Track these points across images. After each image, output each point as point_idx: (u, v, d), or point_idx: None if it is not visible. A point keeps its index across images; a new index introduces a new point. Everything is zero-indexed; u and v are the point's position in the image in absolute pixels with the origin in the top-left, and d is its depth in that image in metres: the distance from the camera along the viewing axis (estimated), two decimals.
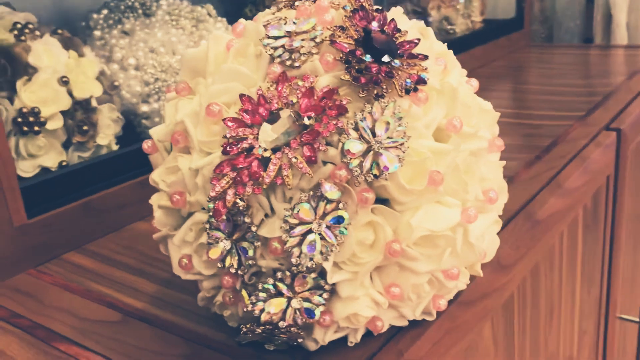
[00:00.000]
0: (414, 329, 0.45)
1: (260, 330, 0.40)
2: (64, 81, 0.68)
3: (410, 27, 0.44)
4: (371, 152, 0.37)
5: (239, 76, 0.41)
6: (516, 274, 0.58)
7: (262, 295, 0.39)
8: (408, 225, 0.38)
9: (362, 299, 0.40)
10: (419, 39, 0.42)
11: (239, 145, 0.38)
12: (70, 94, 0.69)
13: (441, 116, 0.41)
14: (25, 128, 0.65)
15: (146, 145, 0.45)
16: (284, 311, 0.39)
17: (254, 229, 0.39)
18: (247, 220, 0.39)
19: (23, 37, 0.67)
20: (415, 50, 0.41)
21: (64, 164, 0.68)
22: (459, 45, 1.30)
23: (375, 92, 0.38)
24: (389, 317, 0.43)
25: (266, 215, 0.39)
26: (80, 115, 0.70)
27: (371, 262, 0.39)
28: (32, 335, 0.49)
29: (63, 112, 0.68)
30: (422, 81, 0.40)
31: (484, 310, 0.52)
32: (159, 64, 0.79)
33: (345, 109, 0.38)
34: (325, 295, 0.40)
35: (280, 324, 0.39)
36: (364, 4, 0.42)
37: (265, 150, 0.38)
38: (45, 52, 0.68)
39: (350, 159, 0.37)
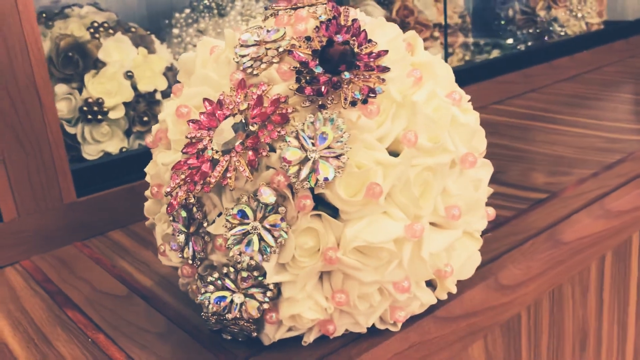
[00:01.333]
0: (375, 338, 0.45)
1: (213, 320, 0.43)
2: (128, 75, 0.75)
3: (394, 38, 0.45)
4: (309, 161, 0.38)
5: (209, 81, 0.44)
6: (523, 295, 0.55)
7: (210, 287, 0.42)
8: (344, 234, 0.39)
9: (305, 302, 0.41)
10: (386, 51, 0.42)
11: (196, 146, 0.41)
12: (134, 87, 0.76)
13: (400, 129, 0.41)
14: (89, 116, 0.72)
15: (148, 139, 0.50)
16: (230, 305, 0.42)
17: (205, 224, 0.42)
18: (198, 216, 0.42)
19: (97, 35, 0.75)
20: (381, 62, 0.42)
21: (124, 150, 0.76)
22: (563, 48, 1.23)
23: (320, 102, 0.39)
24: (345, 322, 0.44)
25: (220, 214, 0.42)
26: (142, 107, 0.76)
27: (310, 267, 0.40)
28: (53, 299, 0.56)
29: (126, 104, 0.75)
30: (372, 93, 0.40)
31: (470, 328, 0.51)
32: None
33: (286, 118, 0.39)
34: (269, 294, 0.41)
35: (228, 316, 0.42)
36: (337, 14, 0.43)
37: (217, 152, 0.40)
38: (115, 49, 0.75)
39: (287, 166, 0.38)
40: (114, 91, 0.74)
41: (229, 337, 0.45)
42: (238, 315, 0.42)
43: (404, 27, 1.02)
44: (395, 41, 0.45)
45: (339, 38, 0.42)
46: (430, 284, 0.47)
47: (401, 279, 0.41)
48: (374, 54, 0.41)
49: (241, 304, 0.42)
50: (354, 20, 0.43)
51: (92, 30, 0.75)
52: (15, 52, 0.60)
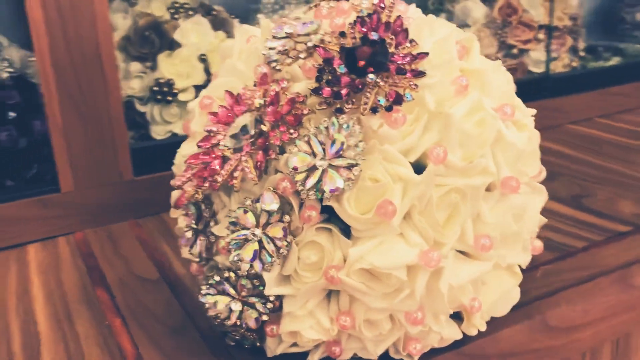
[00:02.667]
0: None
1: (217, 323, 0.41)
2: (202, 58, 0.74)
3: (443, 39, 0.40)
4: (318, 170, 0.35)
5: (236, 72, 0.41)
6: (577, 341, 0.49)
7: (211, 289, 0.40)
8: (349, 253, 0.35)
9: (305, 319, 0.38)
10: (426, 53, 0.37)
11: (210, 140, 0.39)
12: (207, 71, 0.75)
13: (430, 142, 0.37)
14: (159, 96, 0.73)
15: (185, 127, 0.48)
16: (229, 311, 0.39)
17: (212, 223, 0.40)
18: (205, 214, 0.40)
19: (177, 15, 0.75)
20: (418, 65, 0.37)
21: None
22: None
23: (337, 106, 0.36)
24: (354, 346, 0.40)
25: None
26: None
27: (312, 284, 0.37)
28: (89, 275, 0.56)
29: (197, 87, 0.75)
30: (399, 100, 0.36)
31: None
32: None
33: (299, 120, 0.36)
34: (269, 306, 0.39)
35: (227, 322, 0.40)
36: (380, 8, 0.39)
37: (229, 149, 0.38)
38: (193, 31, 0.75)
39: (294, 172, 0.35)
40: (185, 73, 0.74)
41: (232, 343, 0.43)
42: (238, 323, 0.40)
43: (505, 26, 0.94)
44: (445, 43, 0.40)
45: (374, 36, 0.38)
46: (459, 316, 0.42)
47: (413, 309, 0.37)
48: (410, 56, 0.37)
49: (240, 312, 0.39)
50: (398, 16, 0.39)
51: (172, 10, 0.75)
52: (84, 27, 0.61)
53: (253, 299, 0.39)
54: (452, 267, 0.37)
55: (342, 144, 0.35)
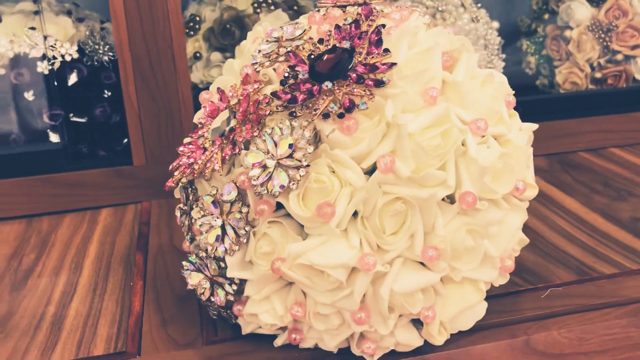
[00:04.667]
0: None
1: (198, 297, 0.45)
2: None
3: (426, 49, 0.40)
4: (269, 167, 0.38)
5: (232, 71, 0.45)
6: None
7: (190, 266, 0.44)
8: (289, 248, 0.38)
9: (262, 304, 0.41)
10: (393, 64, 0.38)
11: (198, 132, 0.43)
12: None
13: (383, 151, 0.38)
14: None
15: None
16: (203, 288, 0.44)
17: (194, 207, 0.44)
18: (190, 197, 0.44)
19: (259, 10, 0.80)
20: (383, 75, 0.38)
21: None
22: None
23: (292, 109, 0.38)
24: (315, 336, 0.43)
25: None
26: None
27: (262, 272, 0.40)
28: (138, 239, 0.63)
29: None
30: (351, 108, 0.37)
31: None
32: None
33: (259, 119, 0.39)
34: (234, 287, 0.42)
35: (202, 297, 0.44)
36: (361, 17, 0.41)
37: (208, 140, 0.42)
38: (271, 24, 0.79)
39: (249, 168, 0.38)
40: None
41: (214, 317, 0.47)
42: (212, 299, 0.44)
43: (610, 30, 0.88)
44: (425, 54, 0.40)
45: (345, 44, 0.39)
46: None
47: (354, 309, 0.39)
48: (371, 66, 0.38)
49: (212, 290, 0.43)
50: (378, 26, 0.40)
51: (255, 4, 0.80)
52: (158, 18, 0.68)
53: (221, 279, 0.43)
54: (398, 274, 0.38)
55: (291, 145, 0.37)
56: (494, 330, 0.46)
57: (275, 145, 0.38)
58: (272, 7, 0.81)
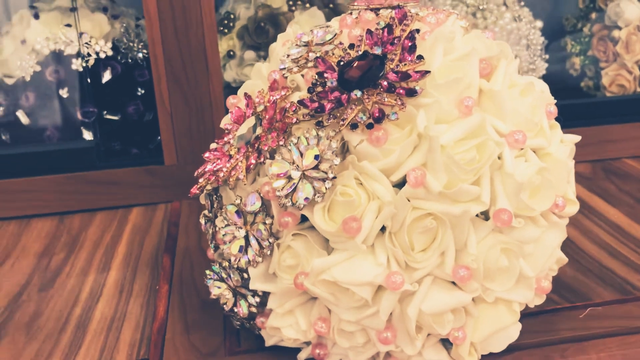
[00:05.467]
0: None
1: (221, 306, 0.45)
2: None
3: (461, 56, 0.38)
4: (293, 179, 0.36)
5: (260, 76, 0.43)
6: None
7: (213, 275, 0.43)
8: (313, 263, 0.36)
9: (285, 318, 0.40)
10: (426, 72, 0.36)
11: (224, 138, 0.42)
12: None
13: (415, 164, 0.36)
14: None
15: None
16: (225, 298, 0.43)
17: (218, 215, 0.43)
18: (215, 205, 0.43)
19: (294, 7, 0.79)
20: (416, 84, 0.36)
21: None
22: None
23: (319, 119, 0.36)
24: (339, 352, 0.41)
25: None
26: None
27: (286, 285, 0.38)
28: (165, 242, 0.63)
29: None
30: (380, 118, 0.35)
31: None
32: None
33: (284, 128, 0.37)
34: (256, 299, 0.41)
35: (224, 307, 0.43)
36: (396, 21, 0.39)
37: (233, 147, 0.41)
38: (306, 23, 0.78)
39: (274, 178, 0.37)
40: None
41: (238, 326, 0.46)
42: (235, 310, 0.43)
43: None
44: (460, 61, 0.38)
45: (376, 50, 0.38)
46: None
47: (380, 328, 0.37)
48: (403, 74, 0.36)
49: (235, 301, 0.42)
50: (412, 31, 0.38)
51: (290, 2, 0.79)
52: (191, 16, 0.67)
53: (244, 290, 0.41)
54: (427, 294, 0.37)
55: (317, 156, 0.36)
56: (528, 352, 0.43)
57: (301, 155, 0.36)
58: (308, 5, 0.79)
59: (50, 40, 0.74)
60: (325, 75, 0.37)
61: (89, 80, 0.75)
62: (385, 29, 0.38)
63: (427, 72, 0.37)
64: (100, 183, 0.72)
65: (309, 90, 0.37)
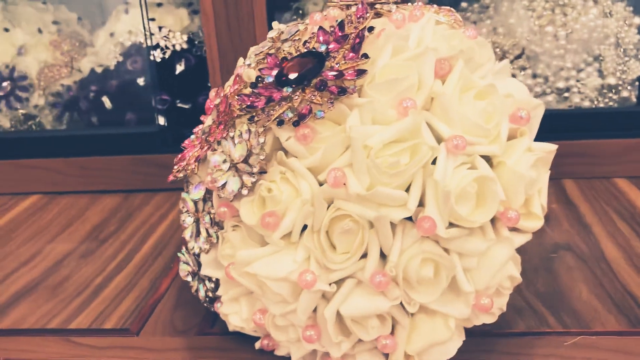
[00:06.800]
0: None
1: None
2: None
3: (413, 56, 0.37)
4: (228, 171, 0.37)
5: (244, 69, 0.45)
6: None
7: (182, 257, 0.45)
8: (238, 255, 0.37)
9: (230, 306, 0.41)
10: (362, 71, 0.36)
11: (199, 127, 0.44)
12: None
13: (340, 164, 0.35)
14: None
15: None
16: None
17: None
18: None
19: None
20: (351, 83, 0.36)
21: None
22: None
23: (253, 114, 0.37)
24: (286, 345, 0.42)
25: None
26: None
27: (222, 275, 0.40)
28: None
29: None
30: (304, 116, 0.35)
31: None
32: (492, 44, 0.77)
33: (225, 121, 0.38)
34: (211, 285, 0.43)
35: (192, 289, 0.45)
36: (347, 20, 0.38)
37: (197, 138, 0.43)
38: None
39: (213, 169, 0.38)
40: None
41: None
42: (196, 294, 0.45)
43: None
44: (416, 60, 0.37)
45: (320, 48, 0.37)
46: None
47: (301, 325, 0.37)
48: (339, 72, 0.36)
49: (198, 284, 0.44)
50: (362, 29, 0.38)
51: None
52: (244, 18, 0.70)
53: (203, 275, 0.43)
54: (348, 296, 0.36)
55: (247, 150, 0.36)
56: None
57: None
58: None
59: (133, 33, 0.81)
60: (264, 71, 0.37)
61: (165, 70, 0.81)
62: (337, 26, 0.38)
63: (364, 71, 0.36)
64: (165, 166, 0.78)
65: (251, 86, 0.38)
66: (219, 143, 0.39)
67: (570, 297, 0.48)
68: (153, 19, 0.82)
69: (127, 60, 0.81)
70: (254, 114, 0.37)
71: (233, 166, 0.37)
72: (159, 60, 0.80)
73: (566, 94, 0.74)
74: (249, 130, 0.37)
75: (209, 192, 0.40)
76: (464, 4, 0.81)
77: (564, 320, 0.45)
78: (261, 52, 0.40)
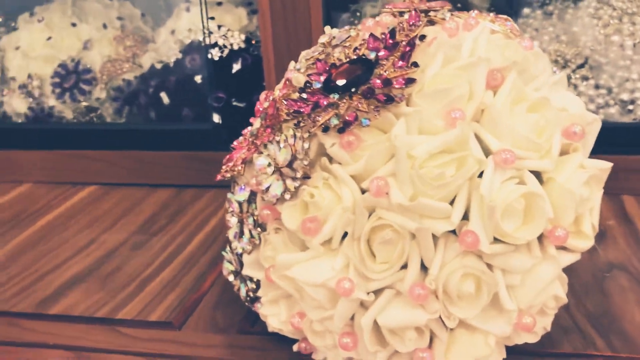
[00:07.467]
0: None
1: None
2: None
3: (466, 65, 0.36)
4: (271, 175, 0.38)
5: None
6: None
7: (225, 256, 0.46)
8: (277, 258, 0.37)
9: (269, 307, 0.42)
10: (411, 80, 0.35)
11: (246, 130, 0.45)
12: None
13: (383, 172, 0.35)
14: None
15: None
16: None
17: None
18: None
19: None
20: (399, 91, 0.35)
21: None
22: None
23: (299, 119, 0.37)
24: (324, 350, 0.42)
25: None
26: None
27: (263, 276, 0.40)
28: None
29: None
30: (349, 123, 0.35)
31: None
32: (554, 52, 0.74)
33: (272, 125, 0.39)
34: (252, 285, 0.43)
35: (234, 288, 0.46)
36: (399, 27, 0.38)
37: (246, 140, 0.43)
38: None
39: (257, 172, 0.39)
40: None
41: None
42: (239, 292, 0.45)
43: None
44: (467, 70, 0.36)
45: (370, 55, 0.37)
46: None
47: (338, 331, 0.37)
48: (386, 80, 0.35)
49: (240, 283, 0.45)
50: (414, 37, 0.37)
51: None
52: (301, 20, 0.70)
53: (245, 276, 0.44)
54: (385, 307, 0.36)
55: (291, 155, 0.37)
56: None
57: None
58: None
59: (192, 31, 0.83)
60: (312, 77, 0.37)
61: (221, 69, 0.82)
62: (388, 34, 0.38)
63: (413, 80, 0.35)
64: (217, 163, 0.79)
65: (299, 91, 0.38)
66: (265, 146, 0.39)
67: (622, 320, 0.46)
68: (212, 18, 0.83)
69: (186, 57, 0.83)
70: (300, 119, 0.37)
71: (277, 170, 0.37)
72: (216, 58, 0.82)
73: (630, 107, 0.71)
74: (295, 135, 0.37)
75: (253, 194, 0.41)
76: (526, 11, 0.79)
77: (613, 344, 0.44)
78: (311, 57, 0.41)
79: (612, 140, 0.70)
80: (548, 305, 0.37)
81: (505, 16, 0.44)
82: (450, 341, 0.37)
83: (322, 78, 0.37)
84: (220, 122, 0.83)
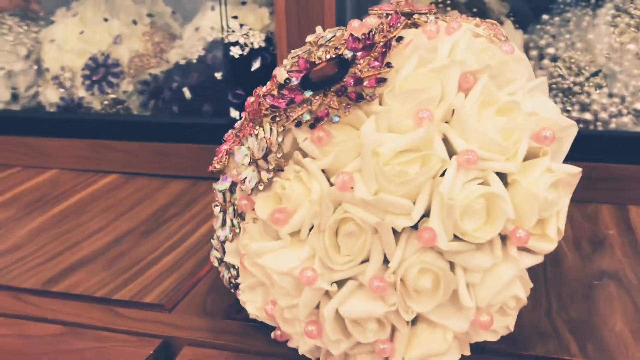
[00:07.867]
0: None
1: None
2: None
3: (439, 68, 0.37)
4: (248, 167, 0.39)
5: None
6: None
7: (213, 242, 0.48)
8: (250, 246, 0.39)
9: (248, 293, 0.43)
10: (382, 79, 0.36)
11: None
12: None
13: (351, 168, 0.36)
14: None
15: None
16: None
17: None
18: None
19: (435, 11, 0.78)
20: (371, 91, 0.37)
21: None
22: None
23: (274, 114, 0.39)
24: (295, 336, 0.43)
25: None
26: None
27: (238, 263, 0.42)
28: None
29: None
30: (319, 119, 0.36)
31: None
32: (568, 59, 0.74)
33: (253, 119, 0.40)
34: (234, 272, 0.45)
35: (220, 274, 0.48)
36: (378, 28, 0.39)
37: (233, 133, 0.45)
38: None
39: (237, 163, 0.40)
40: None
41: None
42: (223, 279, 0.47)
43: None
44: (440, 72, 0.37)
45: (347, 54, 0.39)
46: None
47: (302, 320, 0.38)
48: (358, 79, 0.37)
49: (225, 270, 0.47)
50: (390, 38, 0.38)
51: (433, 4, 0.79)
52: (314, 19, 0.72)
53: (228, 262, 0.46)
54: (348, 298, 0.37)
55: (265, 148, 0.38)
56: None
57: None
58: (449, 8, 0.78)
59: (215, 29, 0.85)
60: (293, 74, 0.39)
61: (241, 67, 0.85)
62: (368, 34, 0.39)
63: (384, 79, 0.37)
64: None
65: (278, 87, 0.40)
66: (246, 139, 0.41)
67: (602, 328, 0.46)
68: (236, 17, 0.86)
69: (208, 54, 0.86)
70: (276, 113, 0.39)
71: (254, 162, 0.39)
72: (237, 56, 0.84)
73: None
74: (271, 129, 0.39)
75: (234, 185, 0.43)
76: (545, 17, 0.79)
77: (587, 351, 0.44)
78: (296, 55, 0.42)
79: (623, 149, 0.70)
80: (508, 305, 0.37)
81: (492, 20, 0.44)
82: (411, 335, 0.38)
83: (300, 75, 0.39)
84: (238, 117, 0.85)
